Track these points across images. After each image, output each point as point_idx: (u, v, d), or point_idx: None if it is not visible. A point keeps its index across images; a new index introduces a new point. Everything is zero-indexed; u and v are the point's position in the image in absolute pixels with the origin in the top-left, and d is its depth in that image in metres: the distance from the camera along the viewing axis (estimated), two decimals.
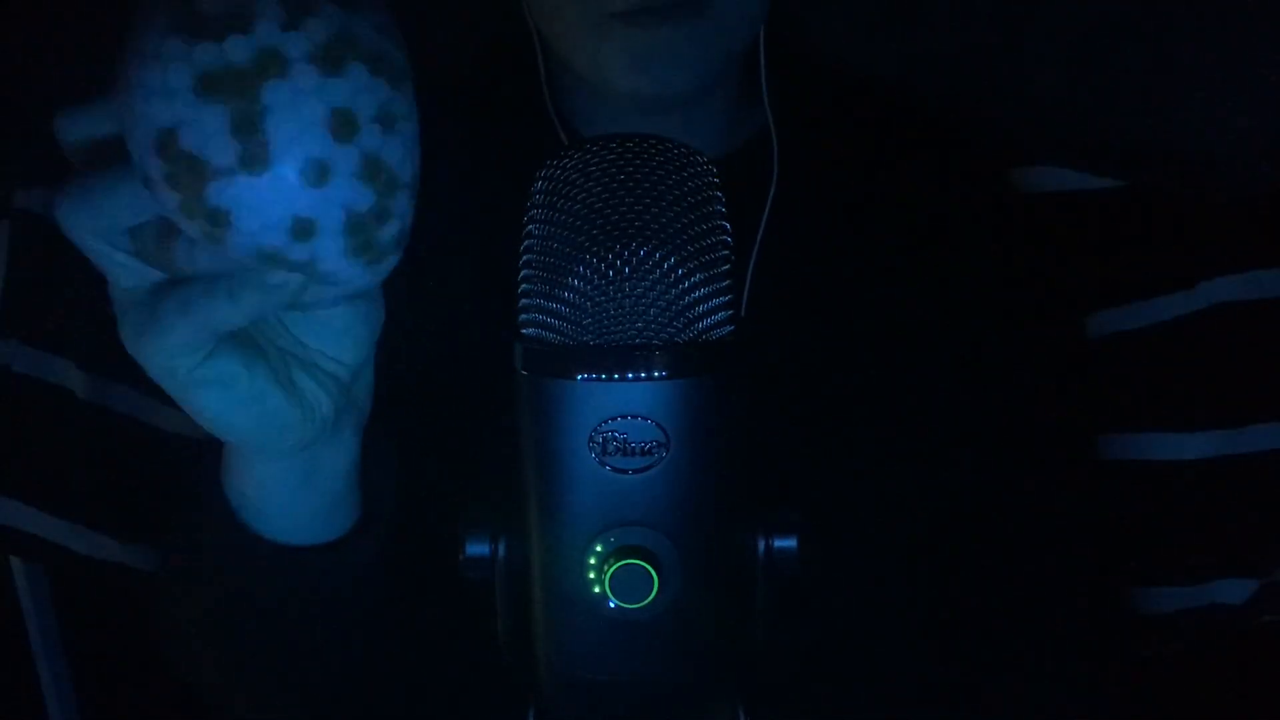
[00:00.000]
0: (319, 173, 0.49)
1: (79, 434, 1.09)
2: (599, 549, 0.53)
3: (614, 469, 0.53)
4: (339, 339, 0.61)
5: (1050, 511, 0.84)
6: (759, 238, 0.82)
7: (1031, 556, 0.83)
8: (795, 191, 0.84)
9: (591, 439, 0.53)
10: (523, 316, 0.54)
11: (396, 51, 0.51)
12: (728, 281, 0.54)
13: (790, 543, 0.57)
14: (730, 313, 0.54)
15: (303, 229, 0.50)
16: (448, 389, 0.80)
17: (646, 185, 0.53)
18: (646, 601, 0.53)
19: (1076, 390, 0.90)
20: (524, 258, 0.54)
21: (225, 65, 0.48)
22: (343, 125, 0.49)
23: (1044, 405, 0.87)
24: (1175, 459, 1.05)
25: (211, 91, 0.48)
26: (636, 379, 0.52)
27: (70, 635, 1.13)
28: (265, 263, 0.50)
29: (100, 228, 0.55)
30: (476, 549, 0.58)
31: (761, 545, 0.57)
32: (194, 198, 0.49)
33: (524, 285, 0.54)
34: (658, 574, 0.53)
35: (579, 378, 0.52)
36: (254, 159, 0.48)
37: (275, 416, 0.60)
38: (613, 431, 0.52)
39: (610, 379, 0.52)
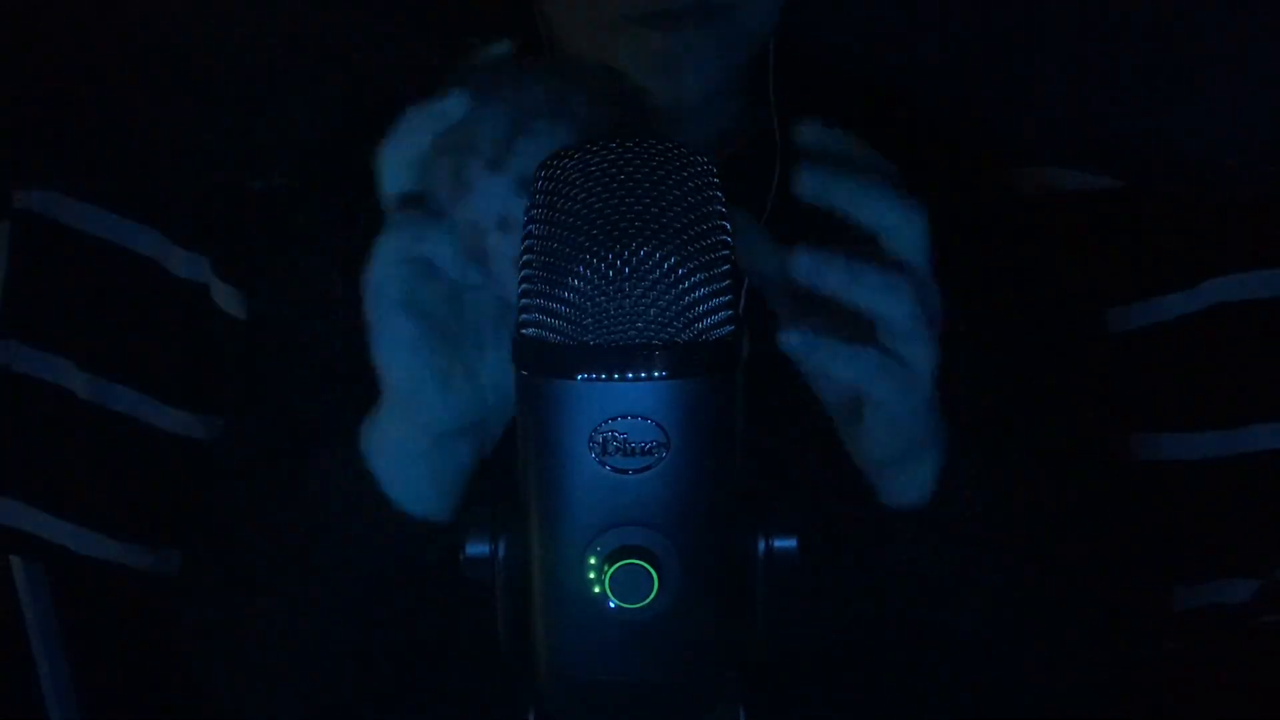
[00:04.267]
0: None
1: (79, 434, 1.09)
2: (599, 549, 0.53)
3: (614, 469, 0.53)
4: None
5: (1061, 512, 0.84)
6: None
7: (1041, 557, 0.83)
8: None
9: (591, 439, 0.52)
10: (523, 316, 0.54)
11: None
12: (728, 281, 0.54)
13: (790, 543, 0.57)
14: (730, 313, 0.54)
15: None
16: None
17: (646, 185, 0.53)
18: (646, 601, 0.53)
19: (1085, 389, 0.90)
20: (524, 257, 0.54)
21: None
22: None
23: (1052, 404, 0.86)
24: (1175, 459, 1.05)
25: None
26: (636, 379, 0.52)
27: (70, 635, 1.13)
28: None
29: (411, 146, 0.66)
30: (476, 549, 0.58)
31: (761, 545, 0.57)
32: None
33: (524, 285, 0.54)
34: (658, 574, 0.53)
35: (579, 378, 0.52)
36: None
37: (450, 380, 0.66)
38: (613, 431, 0.52)
39: (610, 379, 0.52)
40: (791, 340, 0.64)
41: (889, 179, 0.66)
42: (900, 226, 0.66)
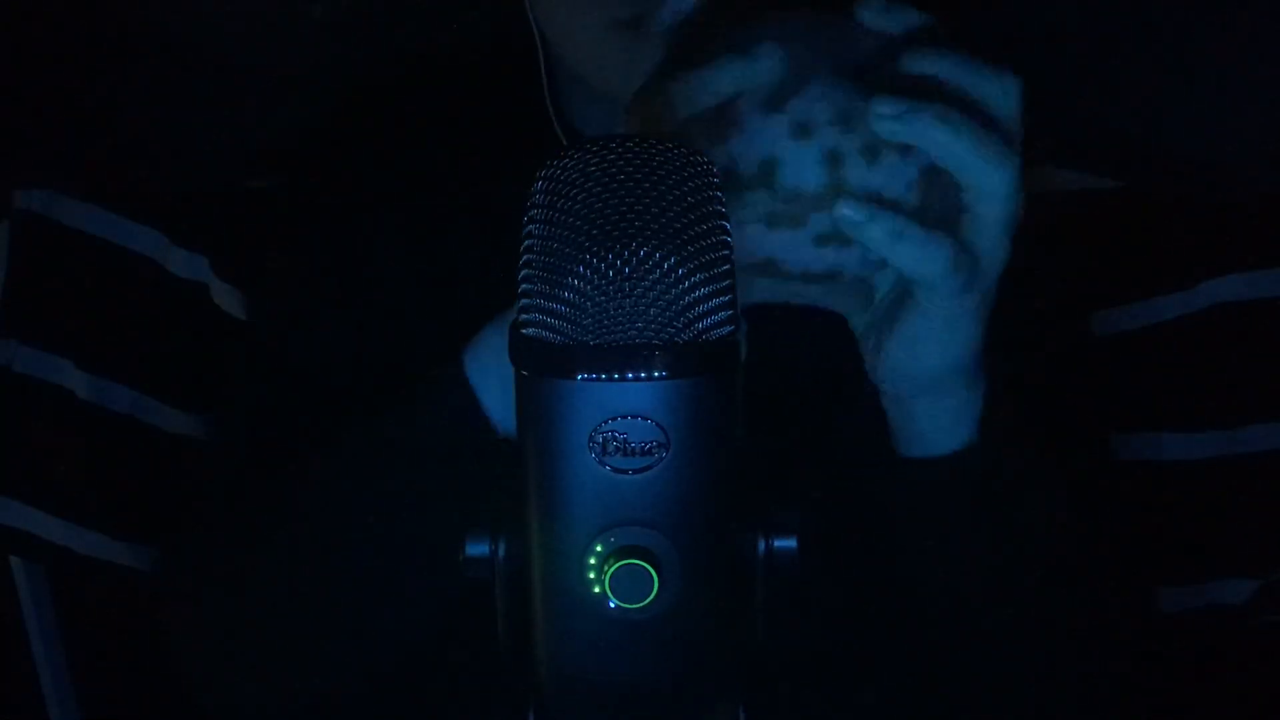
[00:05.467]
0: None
1: (79, 434, 1.09)
2: (599, 549, 0.53)
3: (614, 469, 0.53)
4: None
5: (1059, 512, 0.83)
6: None
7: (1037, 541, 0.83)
8: None
9: (591, 439, 0.52)
10: (523, 316, 0.54)
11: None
12: (728, 281, 0.54)
13: (790, 543, 0.57)
14: (730, 313, 0.54)
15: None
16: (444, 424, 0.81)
17: (646, 185, 0.53)
18: (646, 601, 0.53)
19: (1081, 389, 0.90)
20: (524, 258, 0.54)
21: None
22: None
23: (1048, 404, 0.86)
24: (1175, 459, 1.06)
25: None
26: (636, 379, 0.52)
27: (70, 635, 1.13)
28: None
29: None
30: (476, 549, 0.58)
31: (761, 545, 0.57)
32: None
33: (524, 285, 0.54)
34: (658, 574, 0.53)
35: (579, 378, 0.52)
36: None
37: None
38: (613, 431, 0.52)
39: (610, 379, 0.52)
40: (847, 211, 0.61)
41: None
42: (1001, 93, 0.63)
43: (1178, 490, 1.05)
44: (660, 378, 0.52)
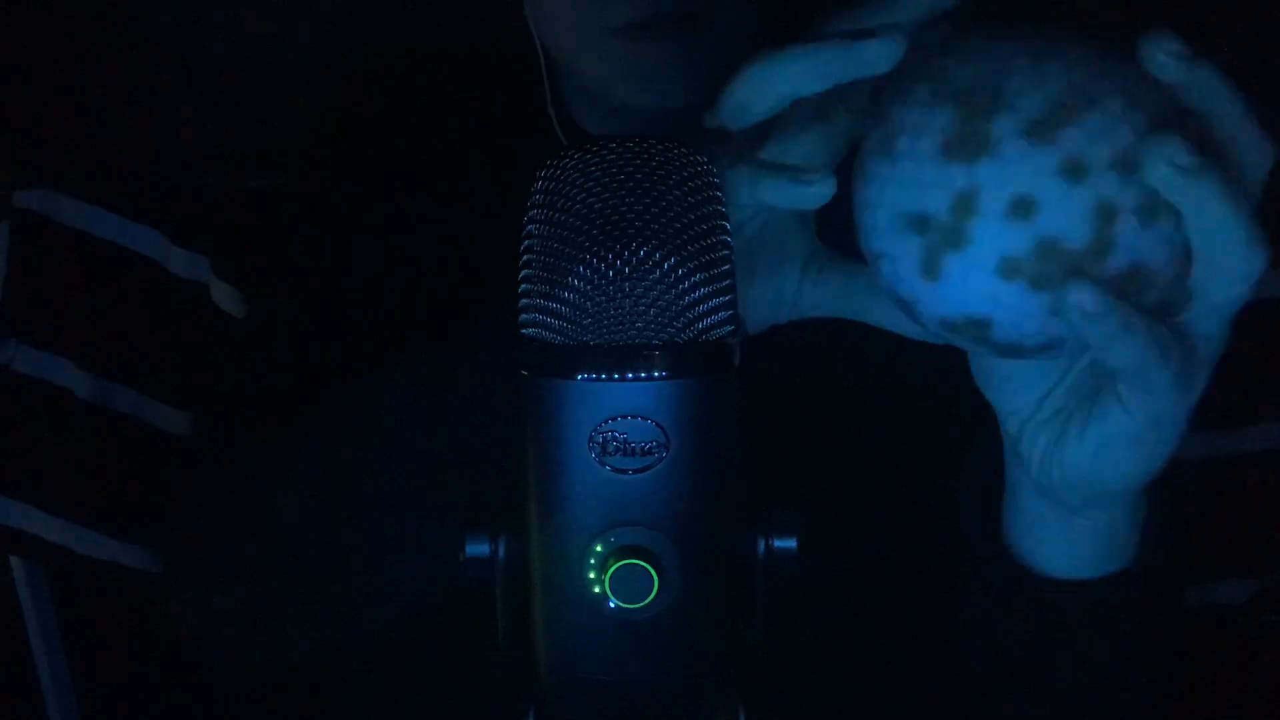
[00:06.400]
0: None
1: (79, 434, 1.09)
2: (599, 549, 0.53)
3: (614, 469, 0.53)
4: None
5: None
6: None
7: None
8: None
9: (591, 439, 0.53)
10: (523, 317, 0.54)
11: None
12: (728, 281, 0.54)
13: (790, 543, 0.57)
14: (730, 313, 0.54)
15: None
16: (449, 389, 0.81)
17: (647, 185, 0.53)
18: (646, 601, 0.53)
19: None
20: (524, 258, 0.54)
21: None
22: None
23: None
24: (1174, 459, 1.05)
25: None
26: (636, 379, 0.52)
27: (70, 635, 1.13)
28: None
29: (787, 82, 0.57)
30: (476, 549, 0.58)
31: (761, 545, 0.57)
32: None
33: (524, 285, 0.54)
34: (658, 574, 0.53)
35: (579, 378, 0.52)
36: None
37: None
38: (613, 431, 0.52)
39: (610, 379, 0.52)
40: (1086, 302, 0.52)
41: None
42: (1256, 160, 0.54)
43: (1176, 490, 1.05)
44: (660, 378, 0.52)
